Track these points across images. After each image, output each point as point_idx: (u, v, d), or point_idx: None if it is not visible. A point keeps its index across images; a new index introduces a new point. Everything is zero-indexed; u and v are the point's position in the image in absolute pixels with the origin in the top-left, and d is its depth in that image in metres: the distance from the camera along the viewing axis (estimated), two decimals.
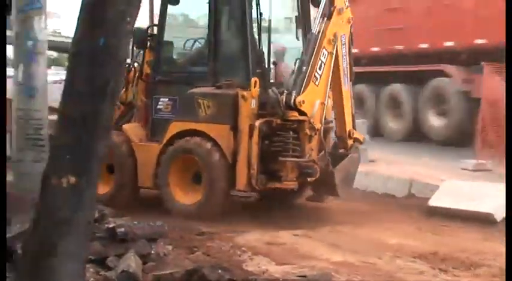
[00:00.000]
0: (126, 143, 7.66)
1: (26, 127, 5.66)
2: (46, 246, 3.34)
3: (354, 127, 7.56)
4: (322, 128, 7.16)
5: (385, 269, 5.55)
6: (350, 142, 7.50)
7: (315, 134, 7.01)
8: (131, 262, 4.61)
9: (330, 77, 7.14)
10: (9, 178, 5.60)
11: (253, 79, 7.02)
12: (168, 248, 5.32)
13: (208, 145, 7.13)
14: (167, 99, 7.61)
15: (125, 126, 7.86)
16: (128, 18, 3.49)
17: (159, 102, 7.65)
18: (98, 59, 3.42)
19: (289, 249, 6.11)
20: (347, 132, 7.47)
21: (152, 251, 5.04)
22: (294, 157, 6.91)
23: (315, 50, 7.02)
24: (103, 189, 7.35)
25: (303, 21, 7.82)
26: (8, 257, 4.31)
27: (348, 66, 7.43)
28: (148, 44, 7.85)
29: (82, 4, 3.49)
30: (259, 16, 7.50)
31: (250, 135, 6.95)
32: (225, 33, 7.56)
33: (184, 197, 7.35)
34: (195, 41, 8.14)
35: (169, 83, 7.69)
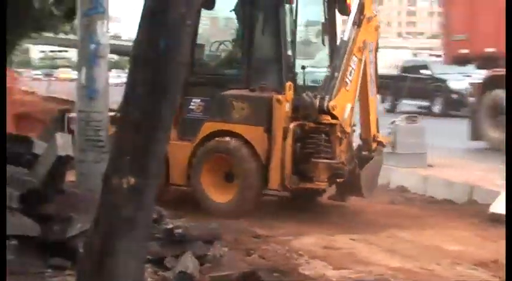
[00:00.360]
0: None
1: (86, 128, 5.76)
2: (107, 245, 3.39)
3: (377, 130, 7.92)
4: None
5: (444, 275, 5.46)
6: (374, 144, 7.83)
7: (345, 137, 7.34)
8: (189, 262, 4.66)
9: (359, 83, 7.48)
10: (72, 177, 5.73)
11: (288, 84, 7.30)
12: (224, 250, 5.35)
13: (243, 146, 7.35)
14: (199, 100, 7.77)
15: None
16: (188, 21, 3.52)
17: (191, 103, 7.80)
18: (158, 61, 3.47)
19: (346, 253, 6.07)
20: (372, 136, 7.79)
21: (209, 253, 5.08)
22: (325, 159, 7.17)
23: (346, 56, 7.36)
24: None
25: (329, 27, 8.08)
26: (70, 256, 4.42)
27: (374, 73, 7.79)
28: None
29: (143, 7, 3.54)
30: (292, 22, 7.74)
31: (284, 138, 7.21)
32: (259, 38, 7.76)
33: (218, 195, 7.52)
34: (220, 44, 8.30)
35: (202, 84, 7.85)
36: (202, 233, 5.19)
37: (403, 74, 23.40)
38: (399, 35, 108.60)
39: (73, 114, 8.49)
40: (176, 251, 4.86)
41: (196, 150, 7.58)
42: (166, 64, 3.45)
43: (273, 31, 7.63)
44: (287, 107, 7.27)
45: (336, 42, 8.01)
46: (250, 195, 7.34)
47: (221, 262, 5.08)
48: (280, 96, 7.26)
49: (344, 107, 7.27)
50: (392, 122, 10.52)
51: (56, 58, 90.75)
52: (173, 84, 3.54)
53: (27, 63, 74.82)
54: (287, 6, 7.65)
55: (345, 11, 7.73)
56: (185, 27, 3.51)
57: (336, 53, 7.59)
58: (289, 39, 7.65)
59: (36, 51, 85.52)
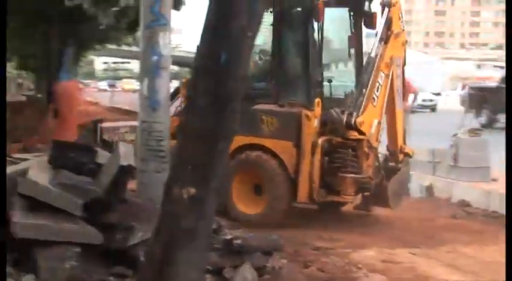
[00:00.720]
0: None
1: (148, 139, 5.85)
2: (168, 255, 3.43)
3: (404, 142, 8.05)
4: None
5: None
6: (401, 156, 7.97)
7: (372, 152, 7.47)
8: (247, 273, 4.66)
9: (386, 98, 7.62)
10: (133, 186, 5.82)
11: (317, 100, 7.43)
12: (283, 262, 5.34)
13: (273, 160, 7.50)
14: None
15: None
16: (249, 33, 3.55)
17: None
18: (219, 74, 3.50)
19: (405, 268, 5.99)
20: (399, 148, 7.93)
21: (267, 264, 5.07)
22: (353, 173, 7.32)
23: (373, 72, 7.49)
24: None
25: (355, 40, 8.15)
26: (131, 265, 4.49)
27: (401, 86, 7.96)
28: None
29: (205, 20, 3.59)
30: (320, 39, 7.83)
31: (313, 152, 7.36)
32: (288, 54, 7.92)
33: (247, 207, 7.64)
34: None
35: None
36: (261, 244, 5.18)
37: (504, 85, 22.32)
38: (462, 46, 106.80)
39: (105, 125, 8.68)
40: (235, 262, 4.87)
41: None
42: (227, 76, 3.49)
43: (301, 47, 7.77)
44: (315, 122, 7.39)
45: (361, 55, 8.12)
46: (278, 207, 7.46)
47: (280, 274, 5.06)
48: (309, 113, 7.39)
49: (371, 122, 7.41)
50: (455, 135, 10.33)
51: (118, 69, 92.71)
52: (233, 96, 3.56)
53: (91, 75, 76.60)
54: (315, 23, 7.68)
55: (371, 25, 7.85)
56: (246, 39, 3.53)
57: (364, 69, 7.73)
58: (317, 55, 7.75)
59: (99, 62, 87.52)
